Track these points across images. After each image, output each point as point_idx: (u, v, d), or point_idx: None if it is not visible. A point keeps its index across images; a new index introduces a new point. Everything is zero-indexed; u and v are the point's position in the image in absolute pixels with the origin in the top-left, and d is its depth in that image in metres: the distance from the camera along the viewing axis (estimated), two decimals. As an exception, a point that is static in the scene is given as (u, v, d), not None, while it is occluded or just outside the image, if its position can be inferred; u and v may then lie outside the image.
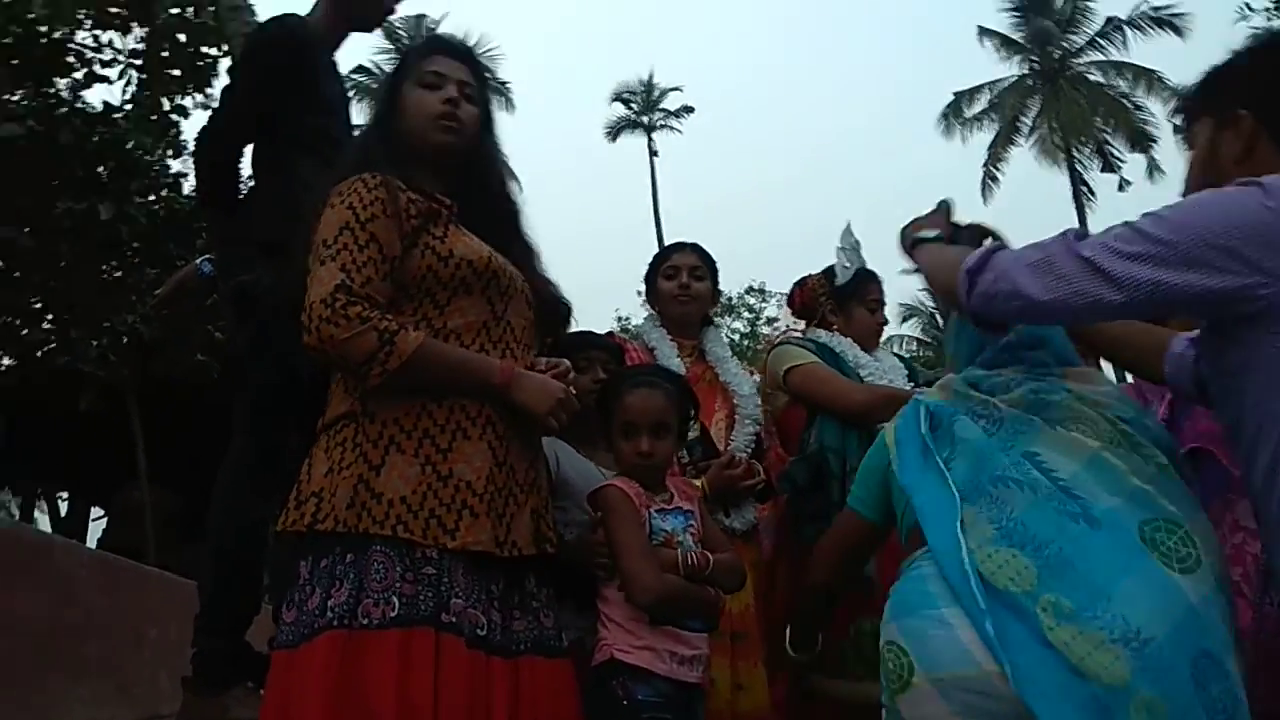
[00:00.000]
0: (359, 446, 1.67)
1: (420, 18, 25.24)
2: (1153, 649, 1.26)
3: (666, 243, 3.04)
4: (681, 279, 2.83)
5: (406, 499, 1.63)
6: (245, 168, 2.53)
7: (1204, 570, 1.34)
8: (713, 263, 2.91)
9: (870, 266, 2.95)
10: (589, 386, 2.23)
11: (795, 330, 3.04)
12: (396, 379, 1.65)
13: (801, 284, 3.04)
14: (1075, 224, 24.12)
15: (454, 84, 1.93)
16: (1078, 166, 25.47)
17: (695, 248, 2.90)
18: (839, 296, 2.92)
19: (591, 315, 2.90)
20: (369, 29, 2.63)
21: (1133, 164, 25.27)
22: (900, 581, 1.55)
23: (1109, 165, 25.35)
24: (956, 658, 1.37)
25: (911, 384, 2.78)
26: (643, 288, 2.94)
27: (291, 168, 2.38)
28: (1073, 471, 1.45)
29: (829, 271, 2.96)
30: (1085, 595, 1.31)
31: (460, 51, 1.99)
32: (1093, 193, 25.64)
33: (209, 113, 2.83)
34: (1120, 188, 25.28)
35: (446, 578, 1.62)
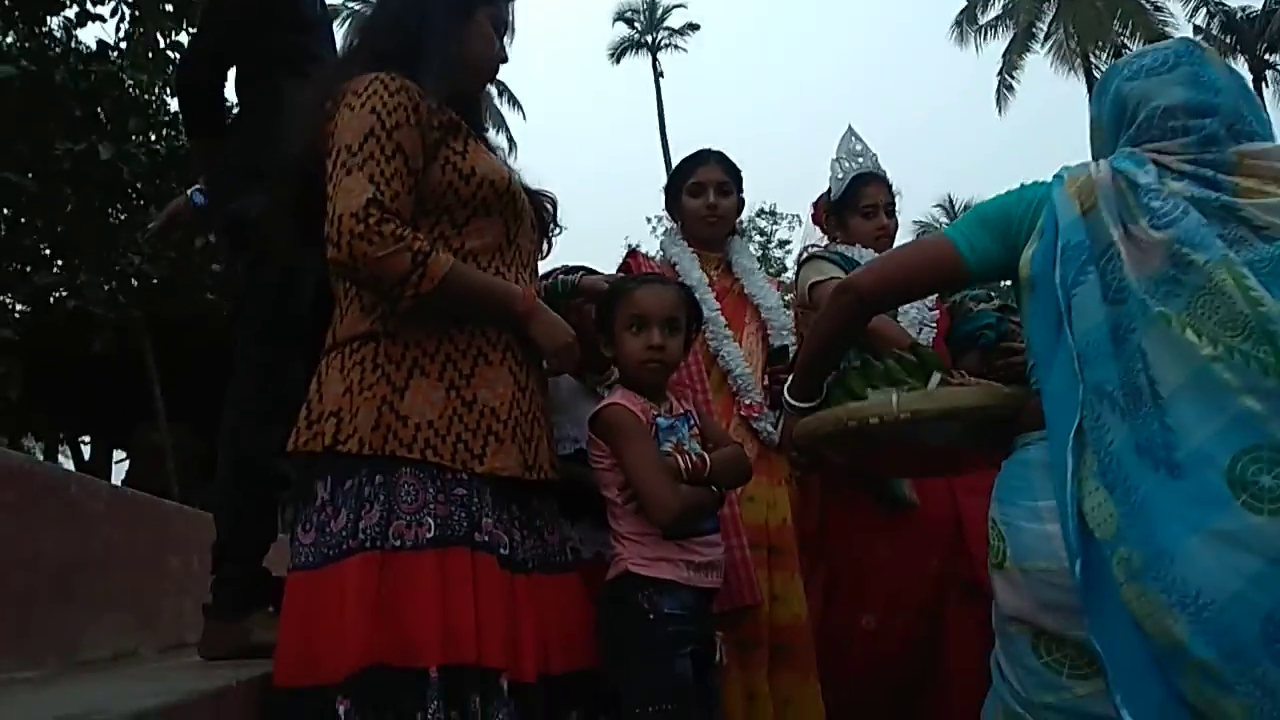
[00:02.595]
0: (380, 367, 1.64)
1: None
2: (1211, 613, 1.21)
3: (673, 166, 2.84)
4: (708, 197, 2.66)
5: (434, 423, 1.61)
6: (230, 95, 2.47)
7: None
8: (739, 173, 2.74)
9: (875, 169, 2.78)
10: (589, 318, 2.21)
11: (819, 243, 2.95)
12: (426, 302, 1.60)
13: (816, 203, 2.96)
14: (1091, 131, 23.84)
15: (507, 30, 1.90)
16: (1094, 73, 24.88)
17: (720, 159, 2.72)
18: (837, 210, 2.79)
19: (602, 246, 2.79)
20: None
21: (1150, 68, 24.62)
22: (1010, 461, 1.56)
23: (1126, 68, 24.71)
24: (1043, 551, 1.41)
25: (934, 307, 2.69)
26: (651, 215, 2.83)
27: (274, 89, 2.32)
28: (1174, 388, 1.30)
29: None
30: (1152, 553, 1.26)
31: None
32: (1109, 98, 25.05)
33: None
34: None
35: (477, 498, 1.63)
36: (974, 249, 1.57)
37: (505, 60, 1.90)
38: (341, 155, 1.63)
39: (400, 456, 1.59)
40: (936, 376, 1.73)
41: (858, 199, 2.74)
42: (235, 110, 2.49)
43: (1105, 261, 1.39)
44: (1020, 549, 1.45)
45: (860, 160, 2.79)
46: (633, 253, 2.77)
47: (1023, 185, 1.60)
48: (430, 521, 1.58)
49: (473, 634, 1.53)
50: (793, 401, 1.85)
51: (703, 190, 2.68)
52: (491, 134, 2.05)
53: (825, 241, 2.85)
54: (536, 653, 1.63)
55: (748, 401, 2.47)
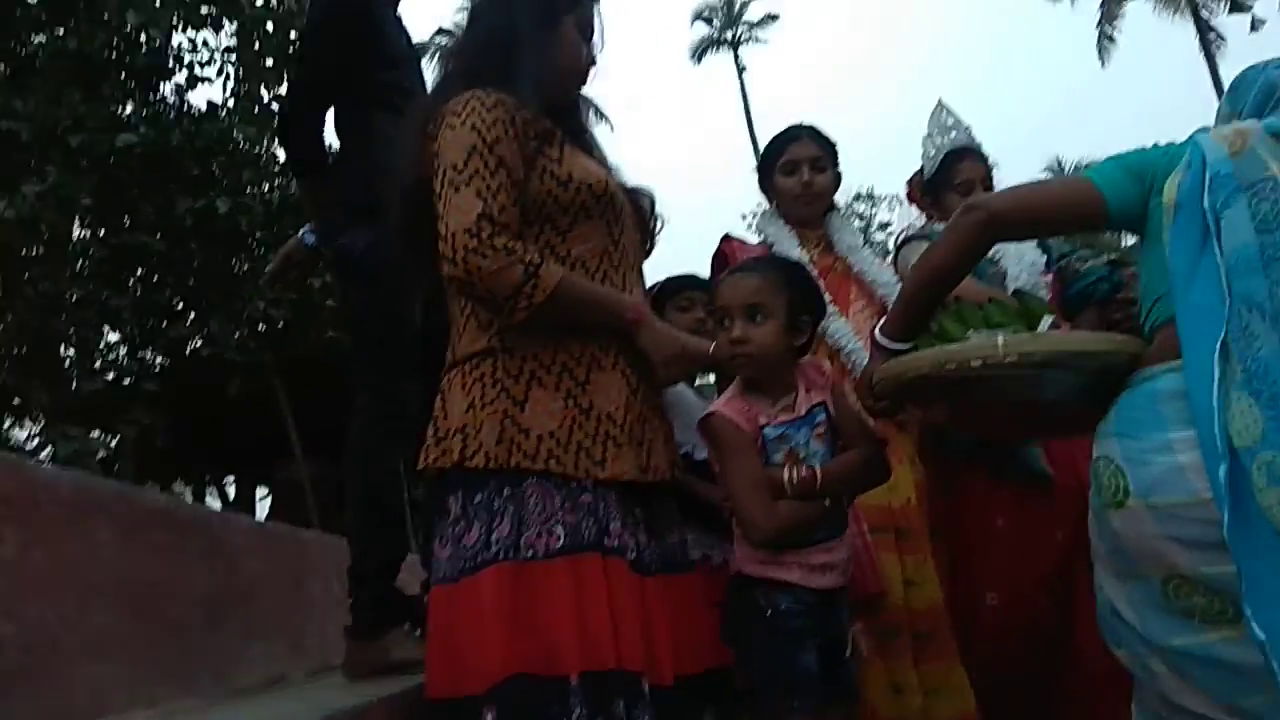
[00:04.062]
0: (499, 382, 1.66)
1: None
2: None
3: None
4: (803, 175, 2.57)
5: (555, 433, 1.63)
6: (330, 135, 2.56)
7: None
8: (834, 147, 2.64)
9: (969, 143, 2.67)
10: (691, 326, 2.18)
11: (917, 225, 2.87)
12: (539, 314, 1.62)
13: (911, 181, 2.86)
14: (1207, 75, 22.43)
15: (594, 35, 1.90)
16: (1202, 12, 23.55)
17: (813, 133, 2.62)
18: (931, 189, 2.69)
19: (701, 248, 2.72)
20: None
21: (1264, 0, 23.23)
22: (1131, 394, 1.47)
23: (1237, 5, 23.33)
24: (1174, 485, 1.36)
25: (1046, 264, 2.59)
26: (746, 212, 2.74)
27: (369, 125, 2.41)
28: None
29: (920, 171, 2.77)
30: None
31: None
32: (1222, 38, 23.73)
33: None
34: (1253, 27, 23.27)
35: (603, 504, 1.64)
36: (1115, 190, 1.54)
37: (594, 63, 1.90)
38: (448, 174, 1.65)
39: (525, 469, 1.61)
40: (1047, 319, 1.63)
41: (952, 175, 2.64)
42: (335, 149, 2.59)
43: (1253, 194, 1.39)
44: (1148, 483, 1.38)
45: (953, 135, 2.68)
46: (726, 239, 2.65)
47: (1158, 144, 1.59)
48: (559, 530, 1.59)
49: (610, 639, 1.54)
50: (884, 341, 1.70)
51: (796, 168, 2.59)
52: (596, 132, 2.03)
53: (922, 222, 2.76)
54: (672, 654, 1.63)
55: None
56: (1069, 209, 1.60)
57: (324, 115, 2.50)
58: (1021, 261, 2.51)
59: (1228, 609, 1.32)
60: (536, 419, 1.63)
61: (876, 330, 1.74)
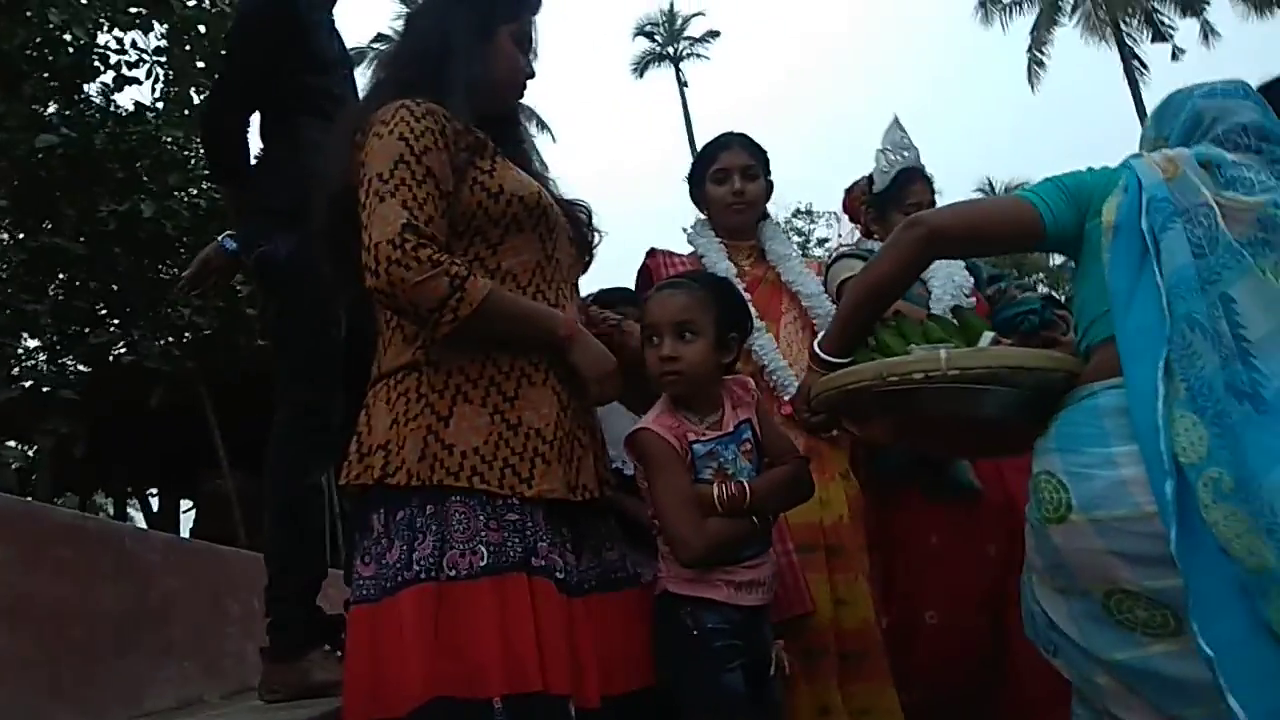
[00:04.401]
0: (424, 397, 1.62)
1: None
2: None
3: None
4: (734, 184, 2.51)
5: (479, 449, 1.59)
6: (254, 139, 2.50)
7: None
8: (765, 154, 2.60)
9: (918, 165, 2.71)
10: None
11: (850, 241, 2.88)
12: (465, 327, 1.58)
13: (849, 190, 2.87)
14: (1130, 101, 23.22)
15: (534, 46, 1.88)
16: (1127, 40, 24.36)
17: (744, 141, 2.58)
18: (878, 204, 2.70)
19: (635, 259, 2.66)
20: None
21: (1185, 30, 24.14)
22: (1072, 410, 1.49)
23: (1160, 34, 24.19)
24: (1117, 498, 1.38)
25: (974, 287, 2.61)
26: (686, 225, 2.59)
27: (295, 130, 2.35)
28: (1263, 334, 1.38)
29: (873, 177, 2.77)
30: (1244, 476, 1.30)
31: (540, 8, 1.89)
32: (1145, 66, 24.53)
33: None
34: (1174, 57, 24.15)
35: (530, 523, 1.60)
36: (1053, 213, 1.58)
37: (532, 76, 1.88)
38: (374, 184, 1.62)
39: (448, 486, 1.57)
40: (988, 335, 1.64)
41: (903, 195, 2.66)
42: (259, 154, 2.52)
43: (1187, 219, 1.45)
44: (1091, 498, 1.40)
45: (906, 154, 2.70)
46: (651, 252, 2.60)
47: (1091, 168, 1.65)
48: (483, 549, 1.55)
49: (535, 661, 1.51)
50: (823, 354, 1.71)
51: (727, 176, 2.54)
52: (538, 141, 2.01)
53: (855, 238, 2.77)
54: (599, 675, 1.60)
55: (786, 398, 2.29)
56: (1008, 227, 1.62)
57: (247, 118, 2.44)
58: (949, 282, 2.54)
59: (1169, 622, 1.35)
60: (461, 435, 1.60)
61: (815, 345, 1.74)
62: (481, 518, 1.57)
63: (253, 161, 2.48)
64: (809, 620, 2.19)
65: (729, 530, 1.72)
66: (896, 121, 2.76)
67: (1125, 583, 1.38)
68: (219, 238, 2.56)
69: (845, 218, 2.94)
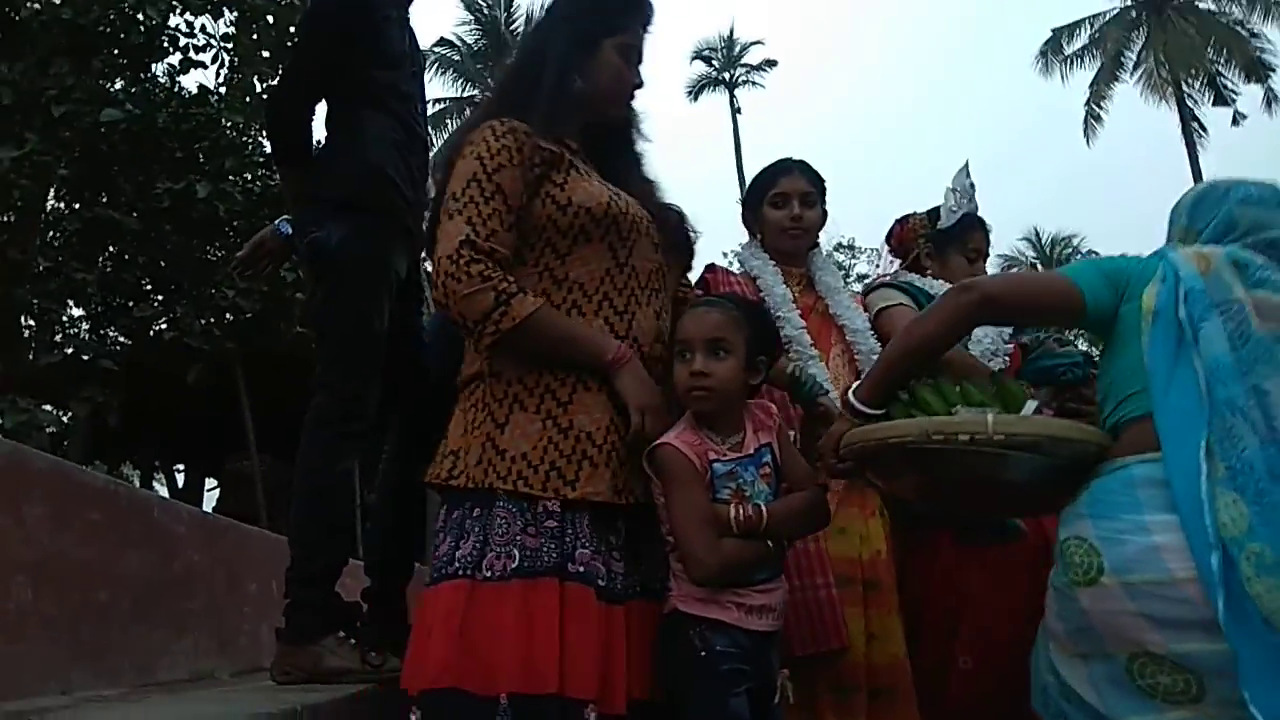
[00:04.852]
0: (487, 406, 1.72)
1: (502, -14, 25.28)
2: None
3: None
4: (793, 209, 2.52)
5: (528, 454, 1.67)
6: (318, 127, 2.53)
7: None
8: (823, 183, 2.62)
9: (980, 214, 2.76)
10: None
11: (889, 273, 2.86)
12: (508, 341, 1.67)
13: (903, 221, 2.86)
14: (1185, 161, 22.94)
15: (642, 60, 1.95)
16: (1187, 101, 24.13)
17: (804, 169, 2.59)
18: (938, 240, 2.73)
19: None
20: None
21: (1247, 96, 23.88)
22: (1106, 479, 1.56)
23: (1222, 98, 23.95)
24: (1150, 563, 1.44)
25: (1009, 341, 2.60)
26: (728, 250, 2.68)
27: (359, 123, 2.38)
28: None
29: (934, 212, 2.79)
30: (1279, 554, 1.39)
31: (653, 23, 1.98)
32: (1204, 128, 24.34)
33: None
34: (1234, 122, 23.89)
35: (571, 529, 1.66)
36: (1094, 292, 1.67)
37: (640, 86, 1.94)
38: (448, 203, 1.75)
39: (497, 488, 1.66)
40: (1031, 404, 1.68)
41: (965, 238, 2.71)
42: (321, 142, 2.56)
43: (1222, 312, 1.55)
44: (1123, 562, 1.46)
45: (970, 201, 2.74)
46: (711, 268, 2.59)
47: (1126, 255, 1.75)
48: (516, 553, 1.63)
49: (554, 664, 1.56)
50: (859, 405, 1.75)
51: (787, 201, 2.54)
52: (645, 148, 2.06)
53: (894, 264, 2.77)
54: (633, 681, 1.65)
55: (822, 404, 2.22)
56: (1052, 303, 1.72)
57: (313, 107, 2.47)
58: (989, 327, 2.52)
59: (1190, 688, 1.40)
60: (513, 441, 1.69)
61: (850, 394, 1.78)
62: (520, 523, 1.65)
63: (314, 149, 2.52)
64: (839, 655, 2.17)
65: (743, 552, 1.72)
66: (967, 167, 2.80)
67: (1152, 645, 1.41)
68: (274, 222, 2.60)
69: (885, 249, 2.93)
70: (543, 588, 1.60)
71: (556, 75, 1.84)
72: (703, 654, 1.68)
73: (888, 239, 2.92)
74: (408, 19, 2.59)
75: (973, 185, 2.76)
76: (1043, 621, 1.63)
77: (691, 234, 2.01)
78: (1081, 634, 1.51)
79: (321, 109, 2.51)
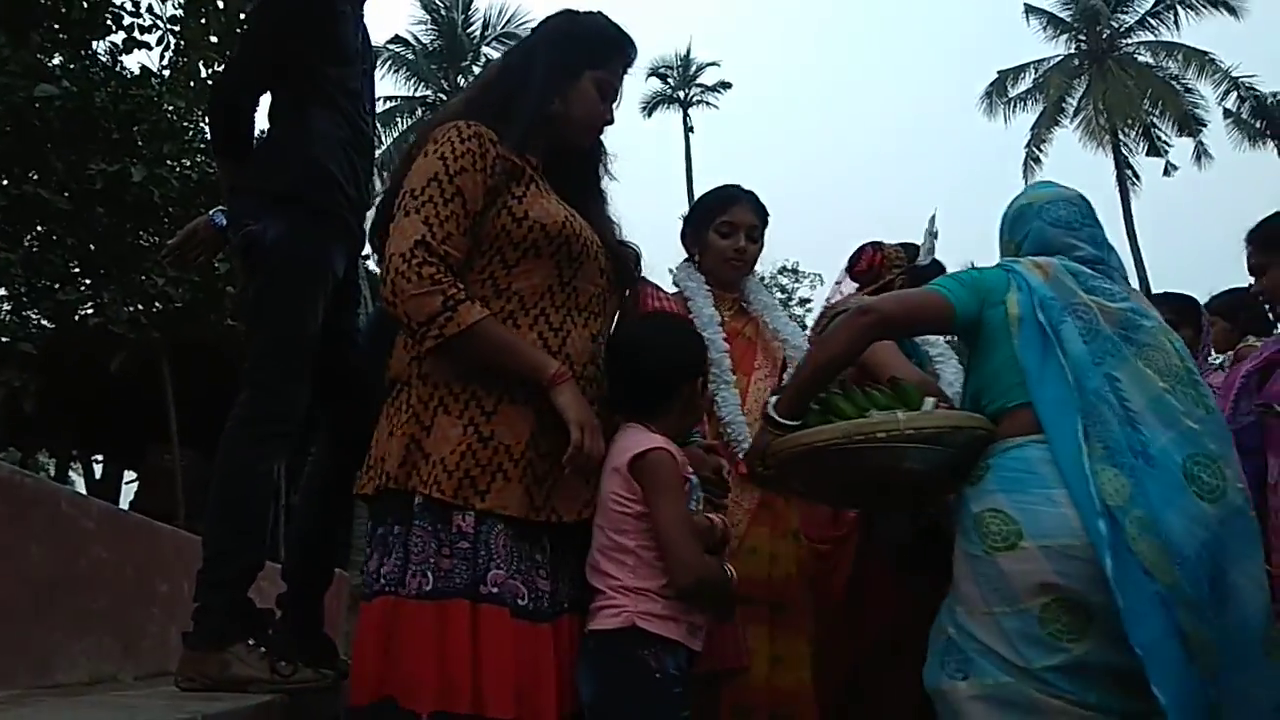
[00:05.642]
0: (412, 408, 1.72)
1: (459, -11, 25.11)
2: (1188, 565, 1.67)
3: None
4: (738, 241, 2.54)
5: (445, 460, 1.66)
6: (260, 119, 2.47)
7: (1227, 499, 1.74)
8: (768, 218, 2.65)
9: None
10: None
11: (850, 294, 2.88)
12: (450, 347, 1.67)
13: (878, 247, 2.87)
14: (1119, 207, 23.69)
15: (617, 98, 1.99)
16: (1123, 149, 24.93)
17: (753, 201, 2.61)
18: (914, 276, 2.78)
19: None
20: None
21: (1180, 148, 24.76)
22: (1005, 458, 1.82)
23: (1155, 149, 24.80)
24: (1062, 529, 1.71)
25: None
26: (673, 266, 2.62)
27: (305, 118, 2.33)
28: (1141, 405, 1.78)
29: (909, 247, 2.85)
30: (1152, 516, 1.69)
31: (632, 67, 2.02)
32: (1138, 176, 25.15)
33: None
34: (1166, 172, 24.76)
35: (484, 550, 1.65)
36: (961, 304, 1.95)
37: (610, 122, 1.98)
38: (405, 199, 1.74)
39: (415, 490, 1.67)
40: (930, 401, 1.92)
41: (934, 278, 2.82)
42: (263, 134, 2.49)
43: (1072, 312, 1.87)
44: (1040, 528, 1.73)
45: (934, 244, 2.87)
46: (643, 281, 2.53)
47: (980, 267, 2.08)
48: (430, 575, 1.64)
49: (468, 684, 1.57)
50: (779, 418, 1.93)
51: (734, 231, 2.56)
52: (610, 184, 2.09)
53: (852, 290, 2.79)
54: (566, 699, 1.67)
55: (741, 455, 2.28)
56: (932, 316, 2.00)
57: (258, 98, 2.41)
58: (959, 371, 2.59)
59: (1084, 625, 1.70)
60: (435, 445, 1.68)
61: (770, 408, 1.93)
62: (434, 544, 1.65)
63: (256, 141, 2.45)
64: (738, 675, 2.16)
65: (718, 574, 1.76)
66: (935, 216, 2.92)
67: (1061, 592, 1.70)
68: (210, 212, 2.52)
69: (845, 274, 2.95)
70: (453, 609, 1.62)
71: (536, 92, 1.87)
72: (657, 675, 1.67)
73: (853, 262, 2.91)
74: (361, 16, 2.54)
75: (937, 233, 2.87)
76: (952, 591, 1.85)
77: (632, 254, 2.03)
78: (996, 593, 1.74)
79: (266, 100, 2.45)
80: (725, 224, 2.57)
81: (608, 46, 1.97)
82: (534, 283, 1.78)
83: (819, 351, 1.99)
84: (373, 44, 2.65)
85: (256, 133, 2.51)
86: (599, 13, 2.00)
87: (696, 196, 2.91)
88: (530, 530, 1.70)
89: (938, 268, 2.82)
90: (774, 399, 1.96)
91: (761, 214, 2.63)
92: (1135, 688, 1.64)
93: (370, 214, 2.14)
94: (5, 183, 8.11)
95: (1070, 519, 1.71)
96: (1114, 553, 1.66)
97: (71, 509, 2.37)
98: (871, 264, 2.86)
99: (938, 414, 1.89)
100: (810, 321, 2.86)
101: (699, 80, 31.74)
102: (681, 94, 31.60)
